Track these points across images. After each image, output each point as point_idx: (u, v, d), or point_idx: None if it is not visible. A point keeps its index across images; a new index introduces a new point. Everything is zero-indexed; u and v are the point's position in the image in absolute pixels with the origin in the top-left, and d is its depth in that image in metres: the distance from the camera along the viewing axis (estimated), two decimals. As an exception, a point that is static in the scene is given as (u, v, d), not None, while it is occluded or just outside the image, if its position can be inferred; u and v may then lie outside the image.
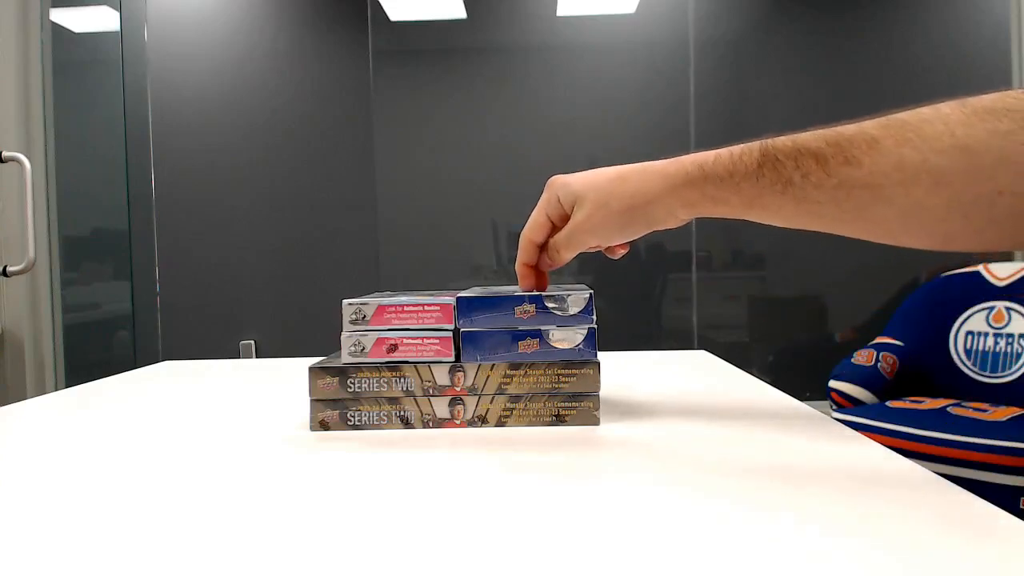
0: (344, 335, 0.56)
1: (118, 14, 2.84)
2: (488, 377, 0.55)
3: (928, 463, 1.63)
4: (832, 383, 2.03)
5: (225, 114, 2.89)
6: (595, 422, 0.55)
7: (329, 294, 2.85)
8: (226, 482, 0.43)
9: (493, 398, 0.55)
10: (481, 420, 0.55)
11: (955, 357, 2.06)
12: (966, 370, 2.03)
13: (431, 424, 0.55)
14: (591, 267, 2.92)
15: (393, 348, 0.55)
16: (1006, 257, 2.47)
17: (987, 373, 1.99)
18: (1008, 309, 2.01)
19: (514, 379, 0.55)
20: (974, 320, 2.06)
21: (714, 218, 0.51)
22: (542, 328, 0.55)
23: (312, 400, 0.56)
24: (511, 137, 2.88)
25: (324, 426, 0.56)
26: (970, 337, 2.05)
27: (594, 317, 0.55)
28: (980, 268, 2.13)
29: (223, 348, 2.91)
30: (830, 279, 2.86)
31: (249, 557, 0.32)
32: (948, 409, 1.84)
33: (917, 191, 0.42)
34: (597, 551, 0.31)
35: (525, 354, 0.55)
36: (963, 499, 0.37)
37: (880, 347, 2.11)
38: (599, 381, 0.55)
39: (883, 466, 0.43)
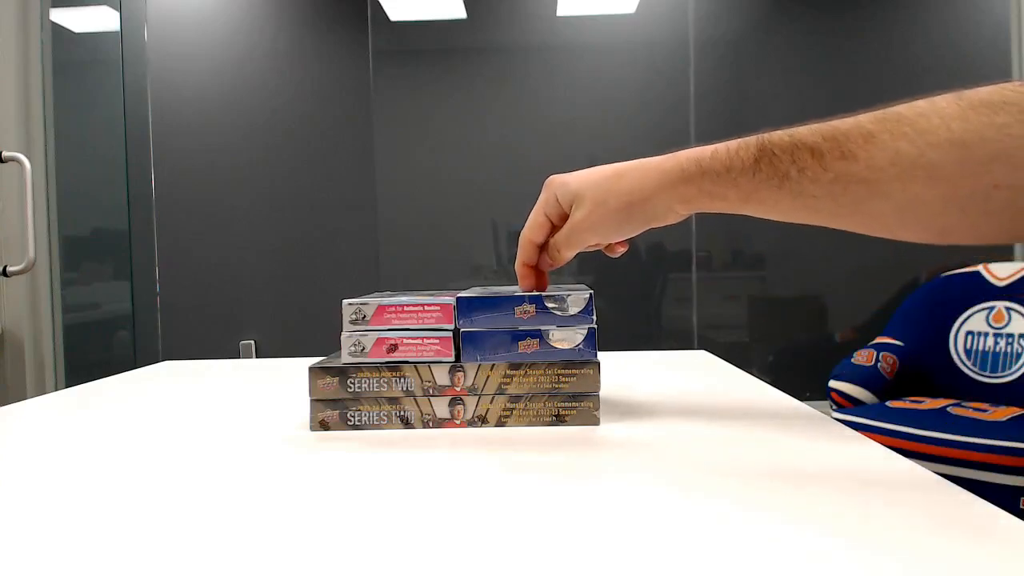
0: (344, 335, 0.56)
1: (118, 14, 2.84)
2: (488, 377, 0.55)
3: (928, 463, 1.63)
4: (832, 383, 2.03)
5: (225, 114, 2.89)
6: (595, 422, 0.55)
7: (329, 294, 2.85)
8: (226, 482, 0.43)
9: (493, 398, 0.55)
10: (481, 420, 0.55)
11: (955, 357, 2.06)
12: (966, 370, 2.03)
13: (431, 424, 0.55)
14: (591, 267, 2.92)
15: (393, 348, 0.55)
16: (1006, 257, 2.47)
17: (987, 373, 1.99)
18: (1008, 309, 2.01)
19: (514, 379, 0.55)
20: (974, 320, 2.06)
21: (712, 214, 0.51)
22: (542, 328, 0.55)
23: (312, 400, 0.56)
24: (511, 137, 2.88)
25: (324, 426, 0.56)
26: (970, 337, 2.05)
27: (594, 317, 0.55)
28: (980, 268, 2.13)
29: (223, 348, 2.91)
30: (830, 279, 2.86)
31: (249, 557, 0.32)
32: (948, 409, 1.84)
33: (913, 185, 0.42)
34: (597, 551, 0.31)
35: (525, 354, 0.55)
36: (963, 499, 0.37)
37: (880, 347, 2.11)
38: (599, 381, 0.55)
39: (883, 466, 0.43)
